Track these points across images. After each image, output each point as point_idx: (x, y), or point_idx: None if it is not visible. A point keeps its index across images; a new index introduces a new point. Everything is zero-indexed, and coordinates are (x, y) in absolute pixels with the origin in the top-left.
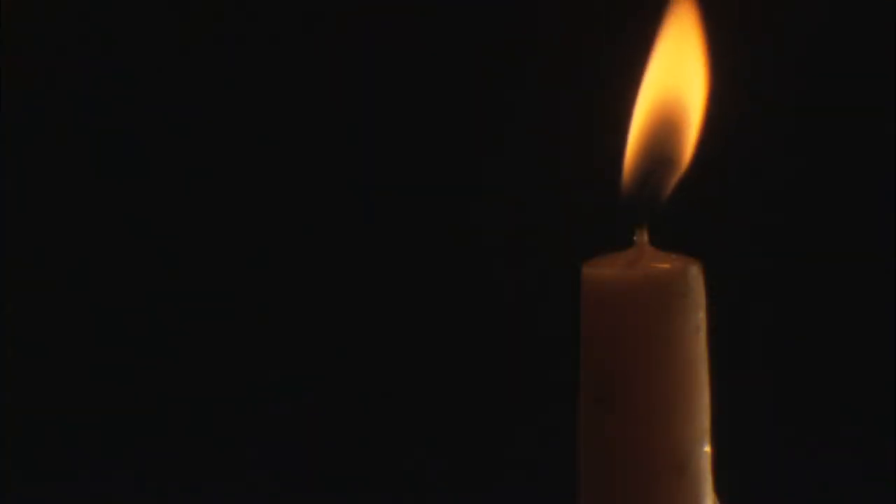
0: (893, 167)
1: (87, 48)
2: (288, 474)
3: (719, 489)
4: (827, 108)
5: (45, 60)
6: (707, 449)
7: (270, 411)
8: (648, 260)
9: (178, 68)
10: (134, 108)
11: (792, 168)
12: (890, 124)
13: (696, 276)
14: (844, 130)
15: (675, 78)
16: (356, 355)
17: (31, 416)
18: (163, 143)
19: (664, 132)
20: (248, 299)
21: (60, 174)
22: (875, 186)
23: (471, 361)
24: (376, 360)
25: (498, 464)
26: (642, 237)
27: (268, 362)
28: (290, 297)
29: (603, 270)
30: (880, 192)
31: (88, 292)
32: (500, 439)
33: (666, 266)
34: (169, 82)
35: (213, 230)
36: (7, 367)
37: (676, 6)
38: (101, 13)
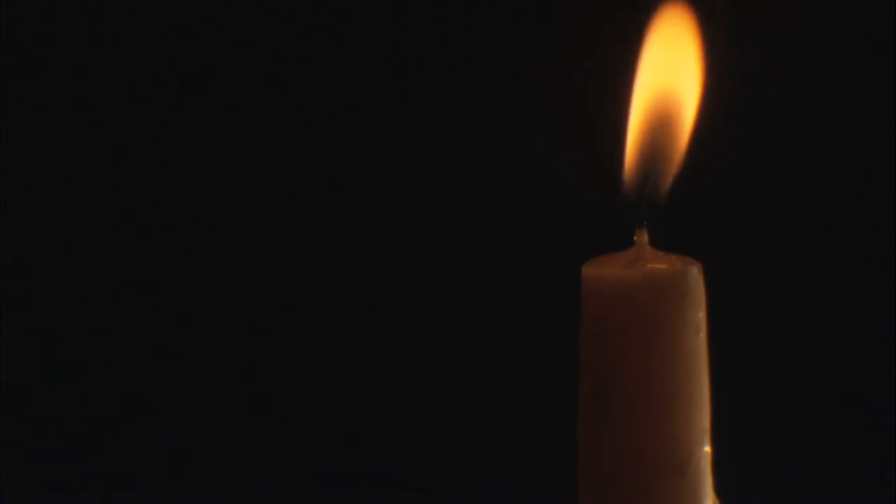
0: (893, 167)
1: (87, 48)
2: (287, 475)
3: (719, 489)
4: (827, 107)
5: (44, 60)
6: (707, 449)
7: (270, 412)
8: (648, 260)
9: (178, 68)
10: (133, 108)
11: (792, 168)
12: (890, 124)
13: (696, 276)
14: (845, 129)
15: (669, 74)
16: (355, 355)
17: (31, 415)
18: (163, 143)
19: (660, 131)
20: (248, 299)
21: (60, 174)
22: (875, 186)
23: (470, 361)
24: (376, 360)
25: (497, 464)
26: (642, 237)
27: (268, 362)
28: (291, 297)
29: (603, 270)
30: (880, 192)
31: (88, 292)
32: (499, 439)
33: (666, 266)
34: (169, 82)
35: (213, 230)
36: (7, 367)
37: (671, 3)
38: (101, 13)
